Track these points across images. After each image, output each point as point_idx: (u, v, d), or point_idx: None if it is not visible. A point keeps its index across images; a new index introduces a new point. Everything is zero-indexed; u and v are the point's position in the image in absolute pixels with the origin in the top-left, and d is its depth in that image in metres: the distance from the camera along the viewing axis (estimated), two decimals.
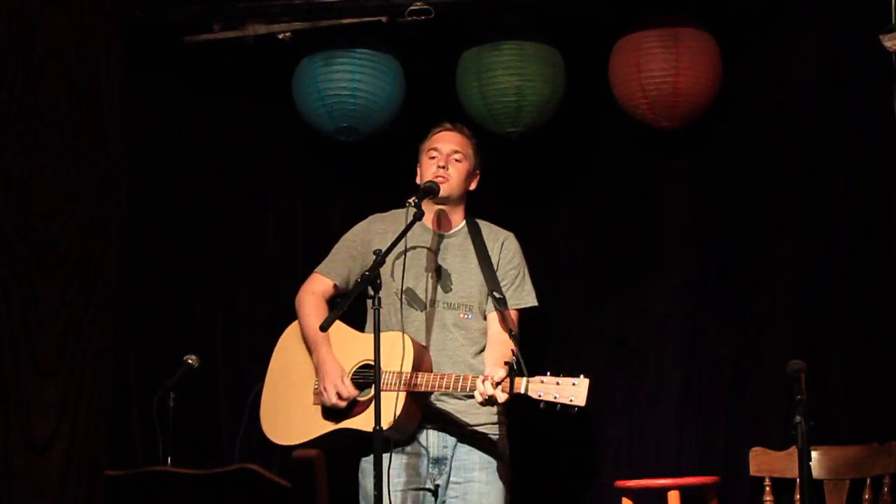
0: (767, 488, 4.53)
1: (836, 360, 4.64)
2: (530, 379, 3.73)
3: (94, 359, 1.42)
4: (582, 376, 3.72)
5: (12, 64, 1.37)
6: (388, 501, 3.73)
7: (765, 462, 4.57)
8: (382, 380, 3.75)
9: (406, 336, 3.92)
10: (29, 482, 1.36)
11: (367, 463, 3.97)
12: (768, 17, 4.82)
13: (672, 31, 4.65)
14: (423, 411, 3.97)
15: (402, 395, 3.83)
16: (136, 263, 4.85)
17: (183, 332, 4.94)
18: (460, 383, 3.82)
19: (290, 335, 4.22)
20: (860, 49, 4.48)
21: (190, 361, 4.50)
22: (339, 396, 3.92)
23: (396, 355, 3.86)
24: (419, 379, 3.86)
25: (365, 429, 3.83)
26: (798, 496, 4.22)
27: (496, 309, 4.04)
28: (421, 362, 3.93)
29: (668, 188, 5.01)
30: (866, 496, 4.44)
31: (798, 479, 4.00)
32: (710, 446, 4.81)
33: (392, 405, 3.79)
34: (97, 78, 1.43)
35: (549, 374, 3.73)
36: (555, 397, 3.70)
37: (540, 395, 3.71)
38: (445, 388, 3.86)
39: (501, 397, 3.73)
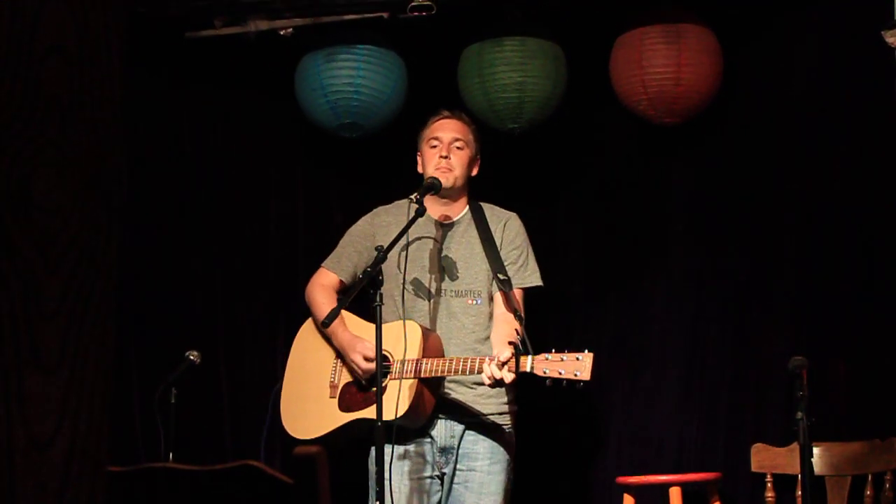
0: (769, 485, 4.53)
1: (838, 356, 4.64)
2: (535, 357, 3.76)
3: (95, 355, 1.41)
4: (586, 351, 3.75)
5: (14, 59, 1.37)
6: (389, 491, 3.76)
7: (766, 458, 4.57)
8: (393, 370, 3.86)
9: (411, 322, 3.94)
10: (31, 478, 1.36)
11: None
12: (770, 13, 4.82)
13: (674, 27, 4.65)
14: (437, 396, 3.99)
15: (413, 381, 3.87)
16: (138, 259, 4.85)
17: (184, 328, 4.93)
18: (468, 365, 3.85)
19: (306, 331, 4.27)
20: (862, 45, 4.47)
21: (192, 357, 4.50)
22: (367, 360, 3.94)
23: (403, 344, 3.89)
24: (426, 365, 3.89)
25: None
26: (800, 493, 4.22)
27: (500, 290, 4.08)
28: (429, 347, 3.95)
29: (670, 184, 5.01)
30: (868, 492, 4.43)
31: (800, 476, 3.99)
32: (711, 442, 4.80)
33: (404, 393, 3.83)
34: (99, 73, 1.43)
35: (553, 351, 3.76)
36: (560, 373, 3.73)
37: (545, 372, 3.74)
38: (453, 372, 3.89)
39: (508, 377, 3.77)
